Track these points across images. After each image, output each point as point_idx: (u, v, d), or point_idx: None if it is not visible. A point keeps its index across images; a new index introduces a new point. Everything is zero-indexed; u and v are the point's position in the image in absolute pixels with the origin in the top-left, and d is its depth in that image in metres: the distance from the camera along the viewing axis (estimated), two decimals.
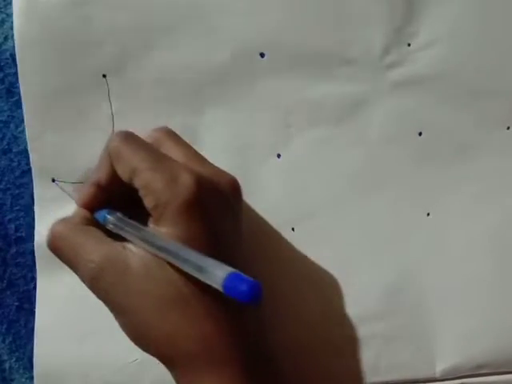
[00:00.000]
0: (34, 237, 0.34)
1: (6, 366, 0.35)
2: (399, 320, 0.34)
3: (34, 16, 0.32)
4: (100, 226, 0.28)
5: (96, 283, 0.27)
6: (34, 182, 0.33)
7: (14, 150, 0.34)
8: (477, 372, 0.34)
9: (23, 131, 0.34)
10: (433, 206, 0.34)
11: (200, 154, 0.30)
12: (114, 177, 0.28)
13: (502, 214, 0.34)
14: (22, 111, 0.33)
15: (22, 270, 0.34)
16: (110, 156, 0.28)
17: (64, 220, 0.29)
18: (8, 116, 0.34)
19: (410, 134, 0.34)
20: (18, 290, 0.34)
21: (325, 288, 0.34)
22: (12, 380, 0.35)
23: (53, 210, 0.33)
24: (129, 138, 0.28)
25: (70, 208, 0.31)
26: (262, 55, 0.33)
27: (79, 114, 0.33)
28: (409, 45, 0.33)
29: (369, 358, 0.34)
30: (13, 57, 0.34)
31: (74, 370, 0.33)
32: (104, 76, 0.33)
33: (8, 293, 0.34)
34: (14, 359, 0.35)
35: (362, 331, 0.34)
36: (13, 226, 0.34)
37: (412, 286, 0.34)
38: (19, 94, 0.34)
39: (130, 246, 0.27)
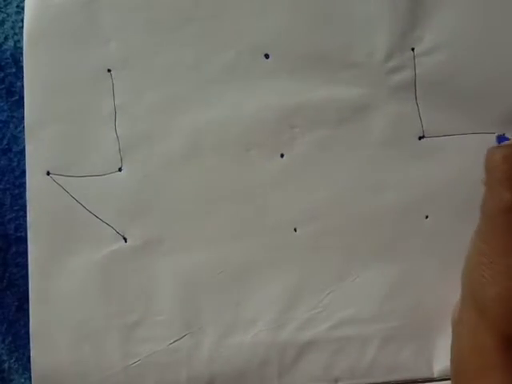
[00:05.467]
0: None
1: (6, 366, 0.34)
2: (398, 321, 0.34)
3: (43, 11, 0.32)
4: None
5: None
6: (27, 174, 0.33)
7: (13, 150, 0.34)
8: None
9: (23, 131, 0.33)
10: (431, 208, 0.34)
11: None
12: None
13: None
14: (21, 111, 0.33)
15: (21, 270, 0.34)
16: None
17: None
18: (8, 116, 0.34)
19: (410, 137, 0.34)
20: (18, 290, 0.34)
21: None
22: (11, 380, 0.34)
23: (44, 203, 0.33)
24: None
25: (61, 203, 0.32)
26: (267, 56, 0.33)
27: (81, 108, 0.33)
28: (413, 49, 0.33)
29: (367, 358, 0.34)
30: (13, 56, 0.33)
31: (72, 372, 0.33)
32: (109, 71, 0.33)
33: (8, 293, 0.34)
34: (14, 359, 0.34)
35: (362, 331, 0.34)
36: (12, 225, 0.34)
37: (411, 287, 0.34)
38: (19, 93, 0.33)
39: None
